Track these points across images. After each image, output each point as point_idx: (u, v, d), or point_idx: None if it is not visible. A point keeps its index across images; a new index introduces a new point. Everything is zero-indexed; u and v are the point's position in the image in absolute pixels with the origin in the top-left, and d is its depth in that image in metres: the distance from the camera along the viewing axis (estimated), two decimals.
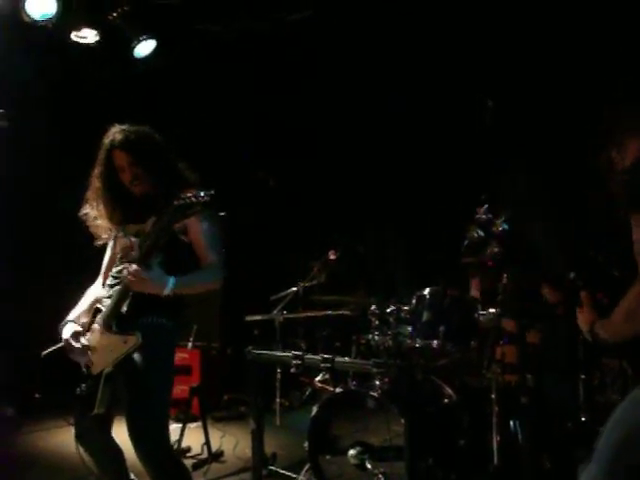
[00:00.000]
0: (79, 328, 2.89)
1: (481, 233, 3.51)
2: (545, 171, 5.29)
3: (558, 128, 5.27)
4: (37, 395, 2.99)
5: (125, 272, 2.69)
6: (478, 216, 3.49)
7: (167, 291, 2.69)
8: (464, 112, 5.59)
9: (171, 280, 2.70)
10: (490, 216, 3.43)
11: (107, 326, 2.77)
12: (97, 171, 2.97)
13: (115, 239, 3.02)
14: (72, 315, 2.97)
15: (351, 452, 3.56)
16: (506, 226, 3.43)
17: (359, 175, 6.64)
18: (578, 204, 4.93)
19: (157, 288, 2.69)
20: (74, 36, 5.65)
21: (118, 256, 2.99)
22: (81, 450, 2.88)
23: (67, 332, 2.88)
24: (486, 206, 3.39)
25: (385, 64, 5.96)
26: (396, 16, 5.59)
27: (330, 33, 5.92)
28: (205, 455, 4.78)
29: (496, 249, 3.54)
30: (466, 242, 3.71)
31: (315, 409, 3.74)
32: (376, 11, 5.57)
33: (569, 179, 5.09)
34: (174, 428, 4.73)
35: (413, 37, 5.68)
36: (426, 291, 3.87)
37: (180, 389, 5.54)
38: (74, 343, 2.84)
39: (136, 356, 2.75)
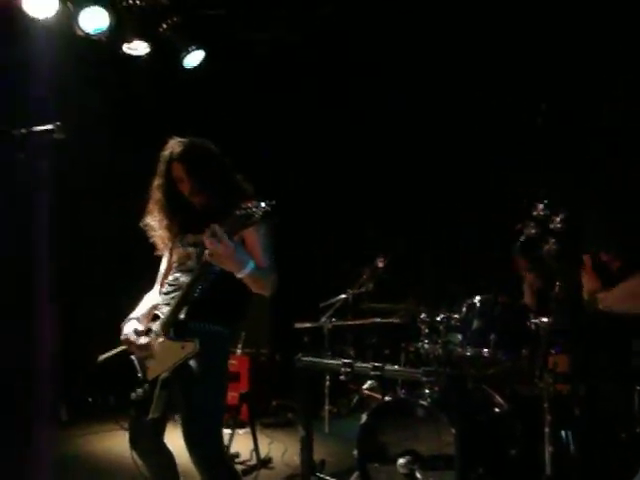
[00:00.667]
0: (140, 326, 2.94)
1: (538, 230, 3.45)
2: (600, 172, 5.22)
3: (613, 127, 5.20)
4: (89, 399, 3.04)
5: (207, 242, 2.58)
6: (536, 212, 3.43)
7: (245, 272, 2.65)
8: (516, 115, 5.55)
9: (251, 263, 2.68)
10: (548, 212, 3.37)
11: (165, 332, 2.81)
12: (157, 183, 3.03)
13: (172, 248, 3.07)
14: (133, 315, 3.02)
15: (400, 461, 3.53)
16: (564, 223, 3.37)
17: (408, 180, 6.61)
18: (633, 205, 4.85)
19: (238, 265, 2.64)
20: (126, 48, 5.79)
21: (174, 265, 3.04)
22: (134, 454, 2.92)
23: (129, 328, 2.94)
24: (545, 202, 3.33)
25: (434, 64, 5.95)
26: (452, 17, 5.59)
27: (367, 33, 5.96)
28: (254, 461, 4.81)
29: (554, 246, 3.47)
30: (522, 238, 3.64)
31: (364, 417, 3.73)
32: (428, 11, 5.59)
33: (624, 180, 5.01)
34: (223, 434, 4.79)
35: (468, 38, 5.66)
36: (476, 299, 3.83)
37: (229, 395, 5.54)
38: (135, 339, 2.89)
39: (192, 362, 2.78)
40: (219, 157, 3.04)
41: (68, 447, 5.31)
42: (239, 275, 2.67)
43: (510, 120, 5.72)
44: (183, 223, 3.02)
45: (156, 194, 3.04)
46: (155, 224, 3.05)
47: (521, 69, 5.51)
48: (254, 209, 2.51)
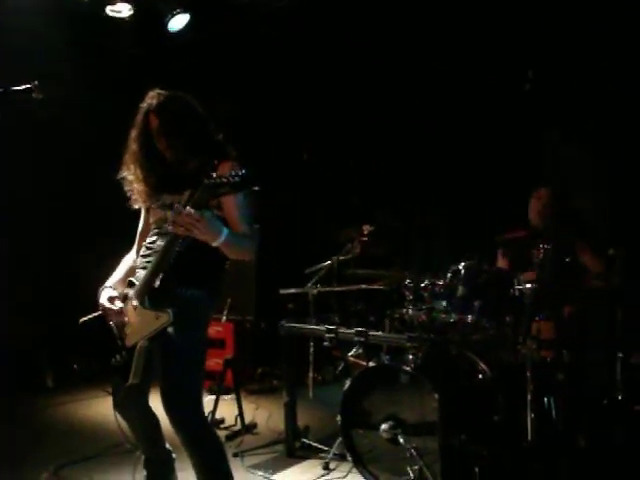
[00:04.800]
0: (115, 293, 2.90)
1: None
2: (594, 140, 5.19)
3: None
4: (75, 366, 3.01)
5: (172, 216, 2.53)
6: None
7: (220, 240, 2.60)
8: (504, 84, 5.51)
9: (225, 231, 2.62)
10: None
11: (140, 301, 2.76)
12: (134, 134, 2.93)
13: (149, 209, 3.00)
14: (109, 282, 2.98)
15: (383, 426, 3.54)
16: None
17: (396, 148, 6.57)
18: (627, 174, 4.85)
19: (212, 234, 2.58)
20: (109, 10, 5.68)
21: (152, 227, 2.97)
22: (119, 418, 2.91)
23: (103, 297, 2.90)
24: None
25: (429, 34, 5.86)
26: None
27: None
28: (238, 427, 4.84)
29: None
30: None
31: (348, 383, 3.73)
32: None
33: (619, 148, 5.00)
34: (208, 400, 4.80)
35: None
36: (461, 265, 3.81)
37: (214, 362, 5.62)
38: (110, 306, 2.85)
39: (170, 328, 2.72)
40: (200, 115, 2.93)
41: (55, 414, 5.32)
42: (213, 244, 2.61)
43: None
44: (160, 180, 2.93)
45: (132, 146, 2.93)
46: (131, 177, 2.95)
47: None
48: (223, 179, 2.44)
